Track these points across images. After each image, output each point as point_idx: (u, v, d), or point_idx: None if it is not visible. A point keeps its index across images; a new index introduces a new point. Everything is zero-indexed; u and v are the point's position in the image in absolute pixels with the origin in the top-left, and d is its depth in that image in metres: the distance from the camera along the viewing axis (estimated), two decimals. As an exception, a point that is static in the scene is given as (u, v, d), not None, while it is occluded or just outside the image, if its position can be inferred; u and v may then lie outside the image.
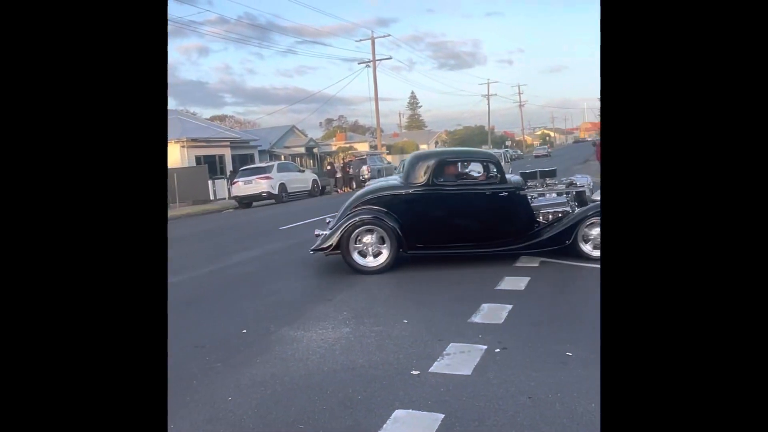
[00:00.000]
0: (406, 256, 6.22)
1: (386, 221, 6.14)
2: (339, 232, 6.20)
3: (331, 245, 6.20)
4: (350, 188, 25.33)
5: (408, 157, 6.91)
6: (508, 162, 23.52)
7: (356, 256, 6.20)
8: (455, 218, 6.12)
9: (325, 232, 6.48)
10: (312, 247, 6.50)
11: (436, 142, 69.45)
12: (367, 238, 6.22)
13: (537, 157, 60.78)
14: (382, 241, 6.19)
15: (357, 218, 6.21)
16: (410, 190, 6.25)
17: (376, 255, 6.22)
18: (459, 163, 6.65)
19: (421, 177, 6.22)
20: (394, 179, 7.10)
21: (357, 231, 6.19)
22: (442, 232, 6.15)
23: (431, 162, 6.24)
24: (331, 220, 6.85)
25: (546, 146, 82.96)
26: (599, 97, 1.48)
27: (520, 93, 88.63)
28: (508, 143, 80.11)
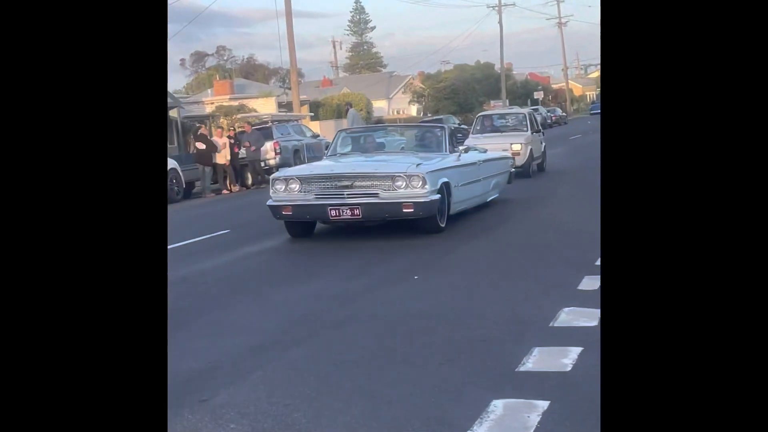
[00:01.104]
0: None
1: None
2: None
3: None
4: (244, 186, 19.94)
5: None
6: (538, 132, 17.49)
7: None
8: None
9: None
10: None
11: (420, 98, 49.26)
12: None
13: None
14: None
15: None
16: None
17: None
18: None
19: None
20: None
21: None
22: None
23: None
24: None
25: None
26: None
27: (559, 1, 65.29)
28: (538, 95, 59.84)
